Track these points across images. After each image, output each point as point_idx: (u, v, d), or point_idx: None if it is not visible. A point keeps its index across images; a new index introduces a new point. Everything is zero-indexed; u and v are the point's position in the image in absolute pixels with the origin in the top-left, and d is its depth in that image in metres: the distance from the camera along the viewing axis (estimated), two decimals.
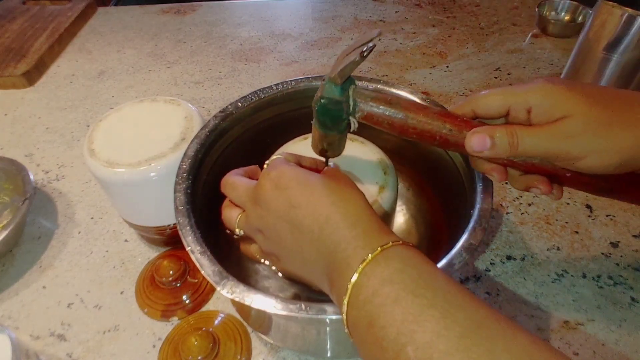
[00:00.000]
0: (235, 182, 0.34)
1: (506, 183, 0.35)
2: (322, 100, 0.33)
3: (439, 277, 0.25)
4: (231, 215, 0.34)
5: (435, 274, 0.25)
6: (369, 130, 0.45)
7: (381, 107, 0.33)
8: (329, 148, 0.36)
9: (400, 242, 0.26)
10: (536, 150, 0.30)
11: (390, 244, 0.26)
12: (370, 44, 0.30)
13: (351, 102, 0.33)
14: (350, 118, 0.34)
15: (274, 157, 0.35)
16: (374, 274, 0.25)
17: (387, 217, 0.40)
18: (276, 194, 0.30)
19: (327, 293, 0.29)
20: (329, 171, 0.32)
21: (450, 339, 0.21)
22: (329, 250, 0.27)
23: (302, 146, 0.43)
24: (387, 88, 0.48)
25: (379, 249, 0.26)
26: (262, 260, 0.35)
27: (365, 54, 0.30)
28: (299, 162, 0.36)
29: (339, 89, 0.32)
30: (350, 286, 0.25)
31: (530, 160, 0.31)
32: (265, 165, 0.34)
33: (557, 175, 0.32)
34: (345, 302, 0.25)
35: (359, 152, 0.42)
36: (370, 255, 0.25)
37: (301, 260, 0.30)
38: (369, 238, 0.27)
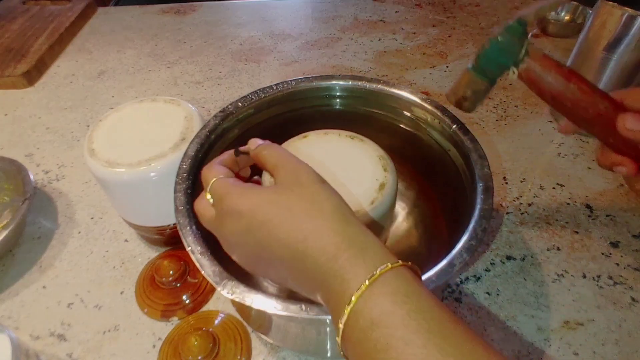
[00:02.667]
0: (198, 210, 0.32)
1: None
2: (500, 38, 0.33)
3: (443, 312, 0.23)
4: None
5: (441, 309, 0.23)
6: (368, 129, 0.45)
7: (547, 65, 0.33)
8: (470, 97, 0.37)
9: (398, 263, 0.25)
10: None
11: (389, 265, 0.24)
12: None
13: (523, 51, 0.33)
14: (512, 68, 0.34)
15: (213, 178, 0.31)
16: (374, 304, 0.23)
17: (387, 215, 0.40)
18: (234, 224, 0.28)
19: (319, 303, 0.27)
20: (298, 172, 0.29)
21: None
22: (317, 266, 0.25)
23: (302, 144, 0.43)
24: (387, 88, 0.48)
25: (378, 272, 0.23)
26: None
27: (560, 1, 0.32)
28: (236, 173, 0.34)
29: (522, 29, 0.33)
30: (347, 312, 0.23)
31: None
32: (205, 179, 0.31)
33: None
34: (340, 326, 0.24)
35: (358, 149, 0.42)
36: (367, 281, 0.23)
37: (286, 274, 0.28)
38: (363, 257, 0.25)
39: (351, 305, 0.23)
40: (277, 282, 0.31)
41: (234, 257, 0.31)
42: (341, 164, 0.41)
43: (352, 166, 0.41)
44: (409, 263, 0.25)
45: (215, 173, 0.31)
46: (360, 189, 0.38)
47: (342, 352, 0.26)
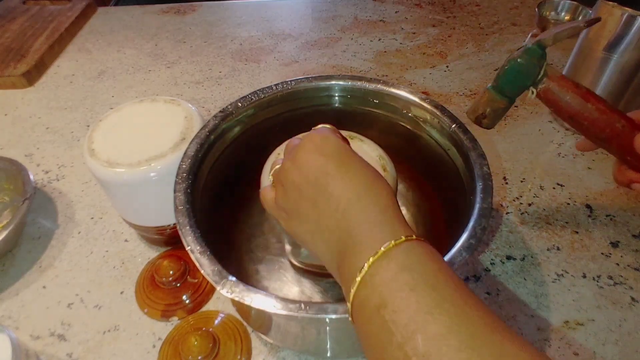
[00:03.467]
0: (286, 143, 0.36)
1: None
2: (519, 60, 0.35)
3: (455, 276, 0.25)
4: (272, 163, 0.36)
5: (452, 274, 0.25)
6: (368, 129, 0.45)
7: (565, 86, 0.35)
8: (489, 115, 0.38)
9: (422, 239, 0.27)
10: None
11: (414, 237, 0.26)
12: (582, 24, 0.34)
13: (542, 72, 0.35)
14: (531, 88, 0.36)
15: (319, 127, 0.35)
16: (395, 258, 0.25)
17: None
18: (314, 156, 0.30)
19: (328, 267, 0.29)
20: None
21: (462, 335, 0.21)
22: (351, 226, 0.27)
23: None
24: (387, 88, 0.48)
25: (403, 237, 0.26)
26: (269, 213, 0.35)
27: (585, 26, 0.34)
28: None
29: (541, 53, 0.34)
30: (367, 265, 0.25)
31: None
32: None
33: None
34: (358, 279, 0.25)
35: (357, 149, 0.42)
36: (393, 241, 0.25)
37: (314, 227, 0.30)
38: (395, 227, 0.27)
39: (387, 246, 0.25)
40: (300, 232, 0.32)
41: (286, 205, 0.32)
42: None
43: None
44: (422, 239, 0.27)
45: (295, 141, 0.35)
46: None
47: (349, 307, 0.27)
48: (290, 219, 0.32)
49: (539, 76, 0.35)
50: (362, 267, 0.25)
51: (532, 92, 0.36)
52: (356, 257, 0.26)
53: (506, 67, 0.36)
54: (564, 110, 0.35)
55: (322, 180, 0.29)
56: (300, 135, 0.37)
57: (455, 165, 0.44)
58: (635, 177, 0.36)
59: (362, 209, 0.28)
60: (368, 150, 0.43)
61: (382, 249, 0.25)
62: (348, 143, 0.33)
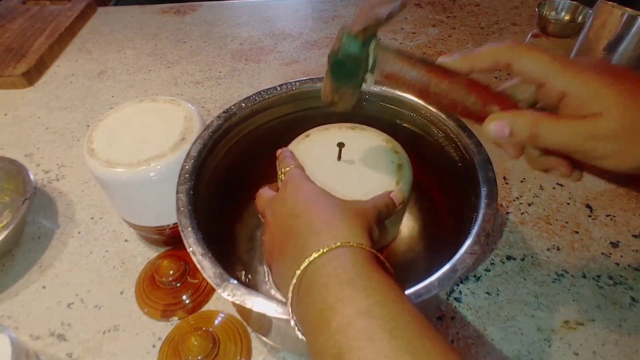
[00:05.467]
0: (261, 193, 0.37)
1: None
2: (339, 55, 0.31)
3: (412, 313, 0.24)
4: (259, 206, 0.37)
5: (409, 309, 0.24)
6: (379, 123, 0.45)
7: (403, 68, 0.30)
8: (340, 101, 0.35)
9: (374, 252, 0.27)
10: (557, 144, 0.28)
11: (366, 247, 0.27)
12: (397, 5, 0.29)
13: (371, 59, 0.31)
14: (368, 75, 0.32)
15: (288, 167, 0.37)
16: (351, 302, 0.24)
17: (410, 193, 0.40)
18: (286, 203, 0.32)
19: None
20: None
21: None
22: (307, 254, 0.27)
23: (308, 144, 0.42)
24: (391, 90, 0.48)
25: (339, 243, 0.26)
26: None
27: (394, 13, 0.29)
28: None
29: (359, 45, 0.30)
30: (320, 312, 0.24)
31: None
32: (279, 165, 0.38)
33: (577, 161, 0.31)
34: (311, 327, 0.25)
35: (363, 137, 0.42)
36: (338, 243, 0.26)
37: (280, 268, 0.30)
38: (349, 255, 0.27)
39: (302, 265, 0.26)
40: (274, 277, 0.32)
41: (271, 221, 0.33)
42: (353, 155, 0.41)
43: (364, 155, 0.41)
44: (367, 248, 0.27)
45: (290, 162, 0.38)
46: (381, 174, 0.39)
47: (291, 313, 0.27)
48: (269, 266, 0.33)
49: (370, 64, 0.31)
50: (316, 317, 0.24)
51: (370, 79, 0.32)
52: (308, 300, 0.26)
53: (330, 62, 0.32)
54: (412, 89, 0.31)
55: (288, 222, 0.30)
56: (267, 187, 0.38)
57: (460, 170, 0.43)
58: (504, 145, 0.32)
59: (318, 241, 0.27)
60: (373, 136, 0.43)
61: (321, 250, 0.26)
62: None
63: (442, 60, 0.31)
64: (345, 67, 0.31)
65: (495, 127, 0.29)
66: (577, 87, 0.27)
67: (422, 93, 0.31)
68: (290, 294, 0.27)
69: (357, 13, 0.30)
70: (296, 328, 0.27)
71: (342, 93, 0.34)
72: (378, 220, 0.33)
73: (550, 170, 0.32)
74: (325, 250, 0.26)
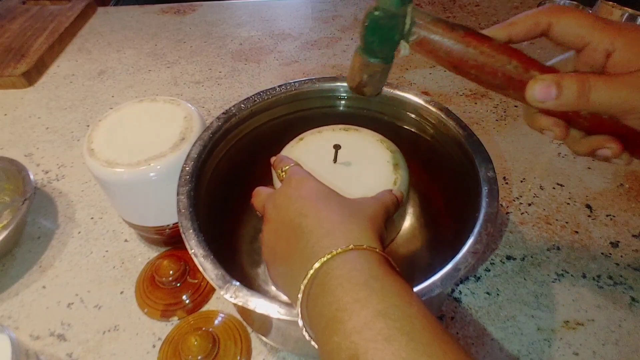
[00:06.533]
0: (259, 190, 0.36)
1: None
2: (376, 12, 0.28)
3: (427, 316, 0.23)
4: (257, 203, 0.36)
5: (424, 313, 0.24)
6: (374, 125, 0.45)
7: (440, 32, 0.29)
8: (369, 82, 0.33)
9: (396, 274, 0.26)
10: (610, 103, 0.26)
11: (378, 250, 0.26)
12: None
13: (408, 21, 0.29)
14: (402, 42, 0.30)
15: (288, 165, 0.37)
16: (367, 303, 0.23)
17: (408, 193, 0.40)
18: (292, 200, 0.31)
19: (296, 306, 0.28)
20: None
21: None
22: (318, 258, 0.27)
23: (302, 148, 0.42)
24: (391, 90, 0.48)
25: (352, 246, 0.26)
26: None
27: None
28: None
29: (397, 0, 0.28)
30: (335, 313, 0.24)
31: (599, 115, 0.28)
32: (276, 167, 0.37)
33: (625, 138, 0.29)
34: (324, 327, 0.24)
35: (357, 138, 0.42)
36: (353, 245, 0.26)
37: (287, 268, 0.29)
38: (360, 240, 0.27)
39: (312, 270, 0.26)
40: (275, 275, 0.32)
41: (273, 216, 0.32)
42: (349, 157, 0.41)
43: (360, 156, 0.41)
44: (379, 251, 0.27)
45: (289, 162, 0.37)
46: (378, 175, 0.39)
47: (300, 319, 0.27)
48: (269, 263, 0.32)
49: (407, 26, 0.29)
50: (332, 316, 0.24)
51: (405, 47, 0.30)
52: (320, 301, 0.26)
53: (366, 24, 0.29)
54: (446, 60, 0.30)
55: (297, 221, 0.29)
56: (261, 188, 0.37)
57: (460, 169, 0.43)
58: (544, 124, 0.30)
59: (330, 242, 0.27)
60: (367, 137, 0.43)
61: (334, 251, 0.26)
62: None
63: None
64: (382, 28, 0.29)
65: (541, 87, 0.27)
66: (624, 44, 0.26)
67: (460, 61, 0.29)
68: (300, 294, 0.26)
69: None
70: (304, 329, 0.27)
71: (371, 70, 0.32)
72: (387, 218, 0.32)
73: (598, 150, 0.29)
74: (339, 251, 0.26)
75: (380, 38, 0.30)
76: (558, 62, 0.31)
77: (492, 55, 0.28)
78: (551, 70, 0.29)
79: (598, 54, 0.27)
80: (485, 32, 0.30)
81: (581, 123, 0.29)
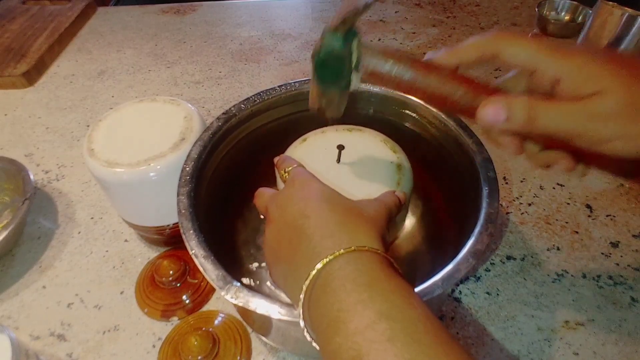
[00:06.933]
0: (261, 191, 0.36)
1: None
2: (322, 53, 0.30)
3: (430, 318, 0.23)
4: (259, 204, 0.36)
5: (427, 315, 0.24)
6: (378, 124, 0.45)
7: (388, 64, 0.29)
8: (328, 106, 0.34)
9: (390, 259, 0.26)
10: (556, 127, 0.26)
11: (380, 252, 0.26)
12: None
13: (354, 57, 0.30)
14: (353, 74, 0.31)
15: (291, 166, 0.37)
16: (370, 304, 0.23)
17: (411, 193, 0.40)
18: (294, 201, 0.31)
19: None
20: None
21: None
22: (321, 258, 0.27)
23: (306, 148, 0.42)
24: (392, 90, 0.48)
25: (353, 247, 0.26)
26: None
27: (370, 1, 0.28)
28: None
29: (340, 40, 0.29)
30: (337, 313, 0.24)
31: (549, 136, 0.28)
32: (279, 167, 0.37)
33: (579, 153, 0.29)
34: (326, 328, 0.24)
35: (361, 139, 0.42)
36: (354, 247, 0.26)
37: (288, 268, 0.29)
38: (362, 242, 0.27)
39: (314, 271, 0.26)
40: (276, 276, 0.32)
41: (276, 217, 0.32)
42: (352, 157, 0.41)
43: (363, 156, 0.41)
44: (382, 253, 0.27)
45: (292, 162, 0.38)
46: (382, 175, 0.39)
47: (302, 320, 0.27)
48: (271, 264, 0.32)
49: (354, 61, 0.30)
50: (334, 317, 0.24)
51: (356, 78, 0.31)
52: (322, 302, 0.26)
53: (314, 62, 0.31)
54: (398, 88, 0.30)
55: (299, 222, 0.29)
56: (264, 189, 0.37)
57: (461, 169, 0.43)
58: (500, 140, 0.30)
59: (333, 244, 0.27)
60: (370, 137, 0.43)
61: (337, 252, 0.26)
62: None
63: (428, 56, 0.30)
64: (329, 66, 0.30)
65: (490, 111, 0.27)
66: (571, 70, 0.26)
67: (409, 89, 0.30)
68: (302, 295, 0.26)
69: (336, 12, 0.30)
70: (305, 329, 0.27)
71: (329, 97, 0.33)
72: (389, 220, 0.32)
73: (552, 165, 0.31)
74: (341, 252, 0.26)
75: (330, 73, 0.31)
76: (513, 76, 0.31)
77: (441, 83, 0.29)
78: (501, 93, 0.29)
79: (546, 80, 0.27)
80: (435, 58, 0.30)
81: (536, 139, 0.30)
